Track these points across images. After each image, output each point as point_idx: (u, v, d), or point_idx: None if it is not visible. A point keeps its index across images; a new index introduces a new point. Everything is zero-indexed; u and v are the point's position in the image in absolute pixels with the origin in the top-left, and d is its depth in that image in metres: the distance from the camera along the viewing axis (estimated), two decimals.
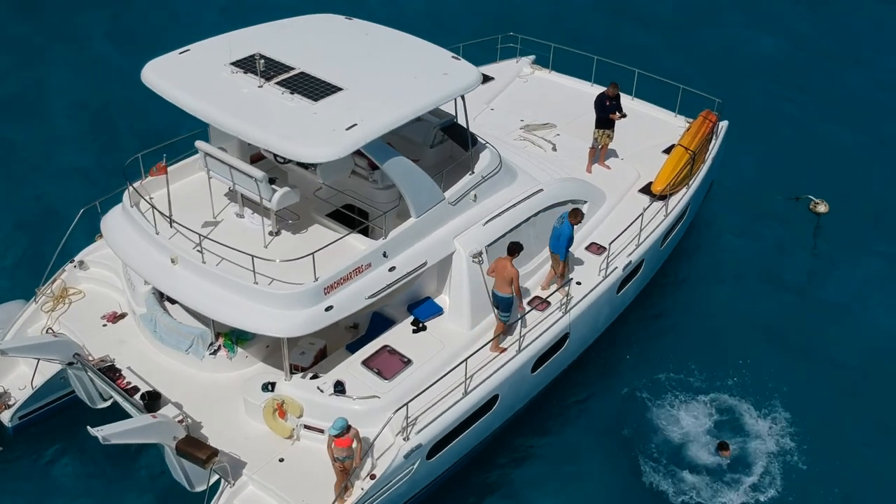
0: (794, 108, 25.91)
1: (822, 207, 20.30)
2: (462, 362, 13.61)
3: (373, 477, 12.79)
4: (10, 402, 15.00)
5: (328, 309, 13.28)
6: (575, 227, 15.24)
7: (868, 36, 30.37)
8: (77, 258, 16.54)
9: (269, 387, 14.03)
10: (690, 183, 18.27)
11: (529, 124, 19.98)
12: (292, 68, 14.19)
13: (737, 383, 16.68)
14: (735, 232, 20.94)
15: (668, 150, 19.30)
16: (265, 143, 12.89)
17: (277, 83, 13.81)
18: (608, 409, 16.32)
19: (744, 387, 16.62)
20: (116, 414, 14.16)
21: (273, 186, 13.62)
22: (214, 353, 14.76)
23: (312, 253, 12.99)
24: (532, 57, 23.11)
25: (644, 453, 15.37)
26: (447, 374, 13.61)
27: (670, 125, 20.28)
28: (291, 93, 13.58)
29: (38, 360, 14.62)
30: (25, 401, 14.90)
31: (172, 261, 13.70)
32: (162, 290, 14.10)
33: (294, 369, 14.24)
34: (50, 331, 15.13)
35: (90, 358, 14.61)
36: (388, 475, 12.90)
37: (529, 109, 20.70)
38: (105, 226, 14.97)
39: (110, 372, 14.49)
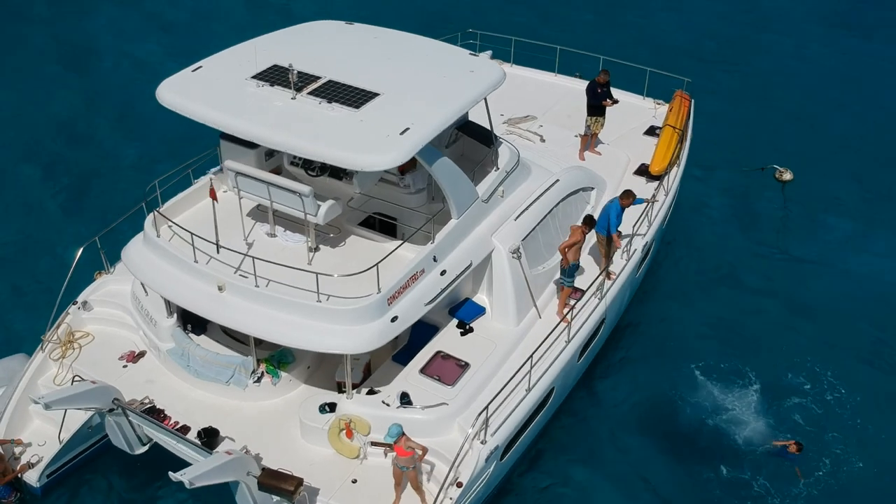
0: (748, 82, 27.22)
1: (788, 175, 21.39)
2: (528, 359, 13.59)
3: (459, 485, 12.60)
4: (34, 461, 13.91)
5: (394, 320, 12.99)
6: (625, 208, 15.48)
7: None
8: (79, 299, 15.47)
9: (326, 408, 13.58)
10: (679, 161, 18.87)
11: (511, 118, 20.08)
12: (319, 77, 13.76)
13: (740, 360, 17.26)
14: (708, 205, 21.79)
15: (649, 132, 19.90)
16: (321, 156, 12.44)
17: (310, 93, 13.35)
18: (637, 399, 16.59)
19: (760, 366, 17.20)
20: (147, 459, 13.67)
21: (317, 201, 13.17)
22: (258, 380, 14.14)
23: (376, 264, 12.65)
24: (489, 52, 23.17)
25: (684, 440, 15.66)
26: (515, 373, 13.53)
27: (642, 108, 20.87)
28: (329, 102, 13.17)
29: (66, 410, 13.61)
30: (54, 456, 13.85)
31: (220, 288, 13.02)
32: (212, 319, 13.40)
33: (344, 387, 13.85)
34: (78, 378, 14.09)
35: (131, 402, 13.68)
36: (472, 480, 12.75)
37: (502, 104, 20.76)
38: (128, 258, 14.08)
39: (154, 414, 13.64)
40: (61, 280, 15.14)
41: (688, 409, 16.20)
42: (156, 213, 13.79)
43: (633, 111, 20.78)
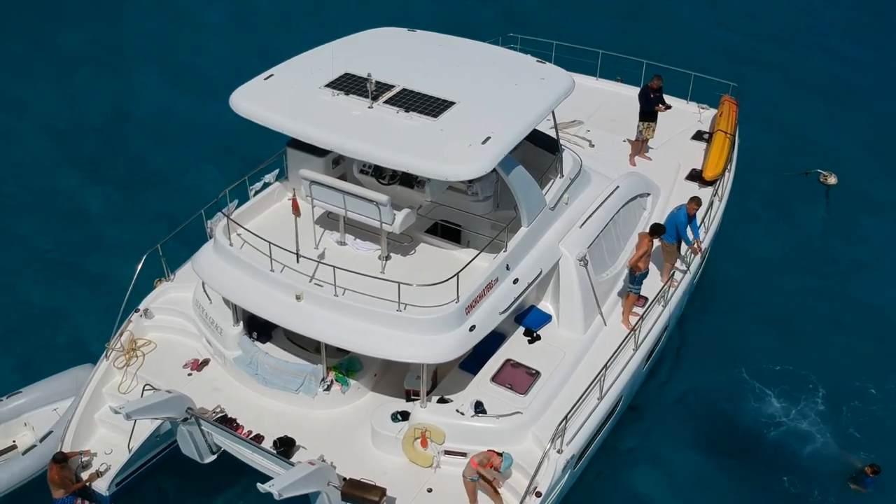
0: (789, 86, 27.34)
1: (832, 179, 21.45)
2: (603, 369, 13.59)
3: (538, 494, 12.60)
4: (102, 470, 13.86)
5: (472, 329, 12.97)
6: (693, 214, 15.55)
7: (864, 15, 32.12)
8: (141, 307, 15.41)
9: (398, 416, 13.56)
10: (730, 166, 18.89)
11: (558, 123, 20.01)
12: (393, 86, 13.72)
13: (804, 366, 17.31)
14: (754, 210, 21.83)
15: (696, 137, 19.91)
16: (405, 166, 12.40)
17: (386, 102, 13.31)
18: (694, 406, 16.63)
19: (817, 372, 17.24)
20: (214, 467, 13.71)
21: (393, 209, 13.14)
22: (328, 388, 14.11)
23: (457, 273, 12.63)
24: (530, 57, 23.14)
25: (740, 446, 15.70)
26: (593, 383, 13.52)
27: (686, 113, 20.86)
28: (406, 111, 13.14)
29: (135, 419, 13.55)
30: (123, 465, 13.79)
31: (298, 297, 12.98)
32: (291, 329, 13.35)
33: (413, 394, 13.84)
34: (149, 387, 14.03)
35: (204, 411, 13.64)
36: (550, 490, 12.75)
37: None
38: (199, 268, 14.03)
39: (227, 423, 13.59)
40: (121, 288, 15.10)
41: (745, 415, 16.26)
42: (229, 220, 13.72)
43: (678, 116, 20.74)
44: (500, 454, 12.54)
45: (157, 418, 13.25)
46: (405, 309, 12.70)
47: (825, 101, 26.69)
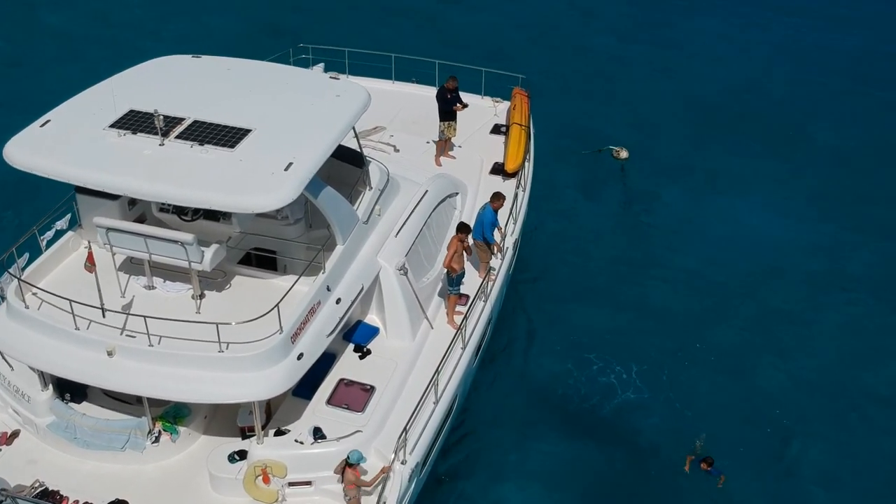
0: (573, 72, 28.75)
1: (624, 153, 22.94)
2: (435, 373, 13.78)
3: None
4: None
5: (300, 357, 12.75)
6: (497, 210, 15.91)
7: None
8: None
9: (236, 456, 13.16)
10: (528, 156, 19.64)
11: (360, 131, 20.01)
12: (183, 119, 13.16)
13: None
14: (557, 192, 22.88)
15: (495, 131, 20.54)
16: (207, 203, 11.93)
17: (178, 137, 12.75)
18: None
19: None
20: None
21: (201, 248, 12.65)
22: (156, 440, 13.44)
23: (276, 305, 12.34)
24: (321, 65, 22.99)
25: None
26: (427, 388, 13.67)
27: (482, 108, 21.45)
28: (201, 144, 12.64)
29: None
30: None
31: (109, 353, 12.23)
32: (105, 388, 12.57)
33: (248, 431, 13.48)
34: None
35: (21, 488, 12.59)
36: (399, 500, 12.82)
37: None
38: None
39: (49, 496, 12.63)
40: None
41: (577, 393, 17.09)
42: (20, 280, 12.69)
43: (474, 112, 21.25)
44: (348, 463, 12.45)
45: None
46: (227, 348, 12.29)
47: (607, 82, 28.40)
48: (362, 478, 12.55)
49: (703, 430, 16.16)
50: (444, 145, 19.23)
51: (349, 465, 12.45)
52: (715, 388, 17.32)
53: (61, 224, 14.31)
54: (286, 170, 12.29)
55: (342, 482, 12.57)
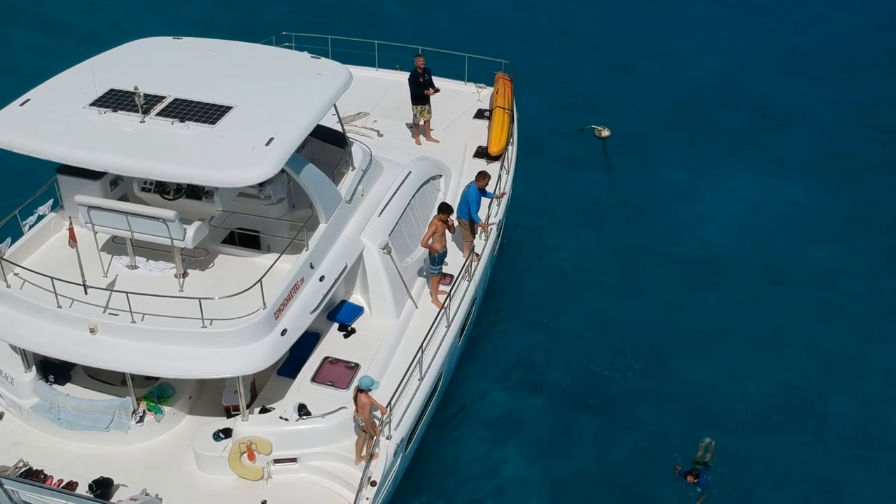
0: (554, 55, 28.95)
1: (606, 132, 23.15)
2: (419, 350, 13.82)
3: (374, 483, 12.65)
4: None
5: (283, 333, 12.76)
6: (482, 189, 15.96)
7: None
8: None
9: (221, 434, 13.18)
10: (512, 139, 19.72)
11: (344, 117, 20.02)
12: (164, 97, 13.16)
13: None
14: (541, 173, 22.99)
15: (478, 116, 20.61)
16: (188, 177, 11.93)
17: (158, 114, 12.75)
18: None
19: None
20: None
21: (183, 225, 12.65)
22: (141, 419, 13.44)
23: (259, 280, 12.35)
24: (305, 53, 22.96)
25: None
26: (411, 365, 13.70)
27: (465, 93, 21.53)
28: (182, 121, 12.64)
29: None
30: None
31: (92, 330, 12.22)
32: (89, 364, 12.54)
33: (233, 410, 13.50)
34: None
35: (4, 469, 12.56)
36: (384, 477, 12.86)
37: None
38: None
39: (33, 476, 12.60)
40: None
41: (563, 371, 17.16)
42: (2, 260, 12.65)
43: (458, 97, 21.39)
44: (360, 389, 12.50)
45: None
46: (211, 324, 12.30)
47: (589, 65, 28.61)
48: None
49: (693, 423, 16.10)
50: (419, 129, 19.27)
51: (360, 391, 12.48)
52: (692, 368, 17.44)
53: (44, 209, 14.28)
54: (267, 145, 12.31)
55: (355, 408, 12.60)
